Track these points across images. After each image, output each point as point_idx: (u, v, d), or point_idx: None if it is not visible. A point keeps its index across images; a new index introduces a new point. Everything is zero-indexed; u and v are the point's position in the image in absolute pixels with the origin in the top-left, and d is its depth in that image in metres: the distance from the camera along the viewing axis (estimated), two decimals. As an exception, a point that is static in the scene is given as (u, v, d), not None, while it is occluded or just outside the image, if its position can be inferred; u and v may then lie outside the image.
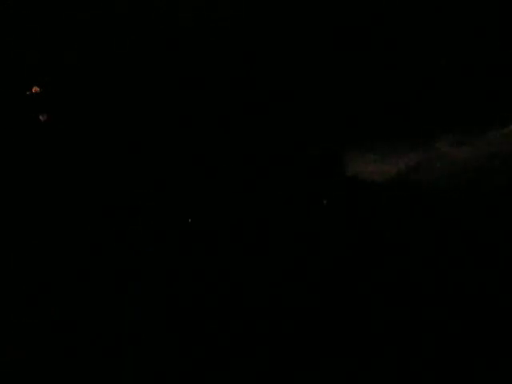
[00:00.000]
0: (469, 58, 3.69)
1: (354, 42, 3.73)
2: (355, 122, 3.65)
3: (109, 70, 3.70)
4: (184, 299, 3.16)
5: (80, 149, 3.55)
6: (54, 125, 3.56)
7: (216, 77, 3.71)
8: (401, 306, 3.06)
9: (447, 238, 3.25)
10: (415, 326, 2.98)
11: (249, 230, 3.40)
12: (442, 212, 3.36)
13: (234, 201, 3.48)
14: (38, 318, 3.13)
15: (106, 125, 3.62)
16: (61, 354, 3.03)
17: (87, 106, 3.65)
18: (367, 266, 3.20)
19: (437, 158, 3.57)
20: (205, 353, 2.97)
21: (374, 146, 3.59)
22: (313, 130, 3.66)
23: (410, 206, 3.40)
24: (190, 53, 3.72)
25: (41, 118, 3.53)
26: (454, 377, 2.82)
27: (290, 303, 3.11)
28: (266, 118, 3.66)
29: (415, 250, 3.23)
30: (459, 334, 2.93)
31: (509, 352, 2.84)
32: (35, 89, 3.55)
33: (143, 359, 3.01)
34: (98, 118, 3.63)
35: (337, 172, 3.58)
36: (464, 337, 2.93)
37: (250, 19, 3.78)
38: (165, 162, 3.57)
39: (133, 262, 3.29)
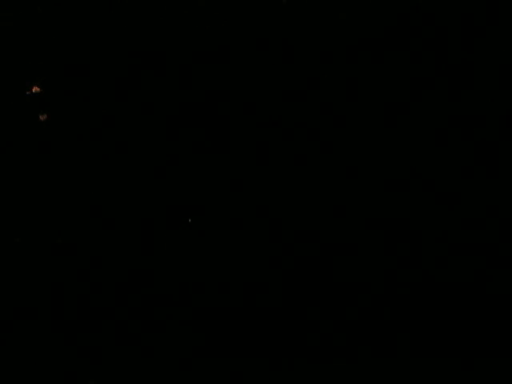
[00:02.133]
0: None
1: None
2: (354, 121, 3.64)
3: (109, 70, 3.70)
4: (175, 298, 3.17)
5: (80, 149, 3.56)
6: (54, 125, 3.57)
7: (216, 76, 3.71)
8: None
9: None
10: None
11: (248, 229, 3.40)
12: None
13: (234, 200, 3.48)
14: (37, 317, 3.14)
15: (107, 125, 3.63)
16: (61, 354, 3.04)
17: (88, 106, 3.65)
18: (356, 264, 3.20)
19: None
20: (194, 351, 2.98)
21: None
22: (313, 129, 3.65)
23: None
24: (190, 53, 3.72)
25: (41, 117, 3.54)
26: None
27: (286, 302, 3.11)
28: (267, 117, 3.66)
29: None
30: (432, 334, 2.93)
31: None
32: (35, 89, 3.56)
33: (143, 359, 3.02)
34: (98, 118, 3.64)
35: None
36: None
37: (251, 19, 3.78)
38: (165, 161, 3.58)
39: (132, 262, 3.30)
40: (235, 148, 3.57)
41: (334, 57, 3.70)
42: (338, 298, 3.13)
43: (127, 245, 3.33)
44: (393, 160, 3.46)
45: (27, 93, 3.55)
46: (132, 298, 3.16)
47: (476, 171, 3.35)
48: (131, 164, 3.57)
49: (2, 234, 3.33)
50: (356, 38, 3.66)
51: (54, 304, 3.15)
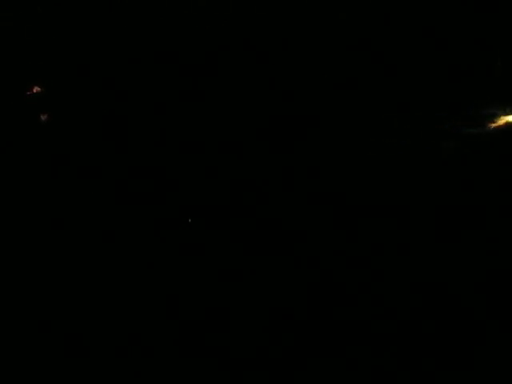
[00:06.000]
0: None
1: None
2: (354, 120, 3.67)
3: (109, 70, 3.71)
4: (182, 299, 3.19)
5: (81, 148, 3.57)
6: (54, 124, 3.58)
7: (217, 76, 3.72)
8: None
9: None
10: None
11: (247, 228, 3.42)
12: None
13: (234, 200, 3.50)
14: (37, 317, 3.15)
15: (107, 124, 3.64)
16: (60, 353, 3.05)
17: (88, 106, 3.66)
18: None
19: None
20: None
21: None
22: (314, 127, 3.67)
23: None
24: (190, 53, 3.73)
25: (42, 117, 3.55)
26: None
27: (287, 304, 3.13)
28: (266, 116, 3.68)
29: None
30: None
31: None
32: (36, 89, 3.57)
33: (143, 359, 3.03)
34: (98, 117, 3.65)
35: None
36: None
37: (251, 19, 3.79)
38: (165, 160, 3.59)
39: (132, 261, 3.31)
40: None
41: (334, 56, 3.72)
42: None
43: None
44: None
45: (28, 93, 3.56)
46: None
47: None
48: (131, 161, 3.58)
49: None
50: (356, 38, 3.68)
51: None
